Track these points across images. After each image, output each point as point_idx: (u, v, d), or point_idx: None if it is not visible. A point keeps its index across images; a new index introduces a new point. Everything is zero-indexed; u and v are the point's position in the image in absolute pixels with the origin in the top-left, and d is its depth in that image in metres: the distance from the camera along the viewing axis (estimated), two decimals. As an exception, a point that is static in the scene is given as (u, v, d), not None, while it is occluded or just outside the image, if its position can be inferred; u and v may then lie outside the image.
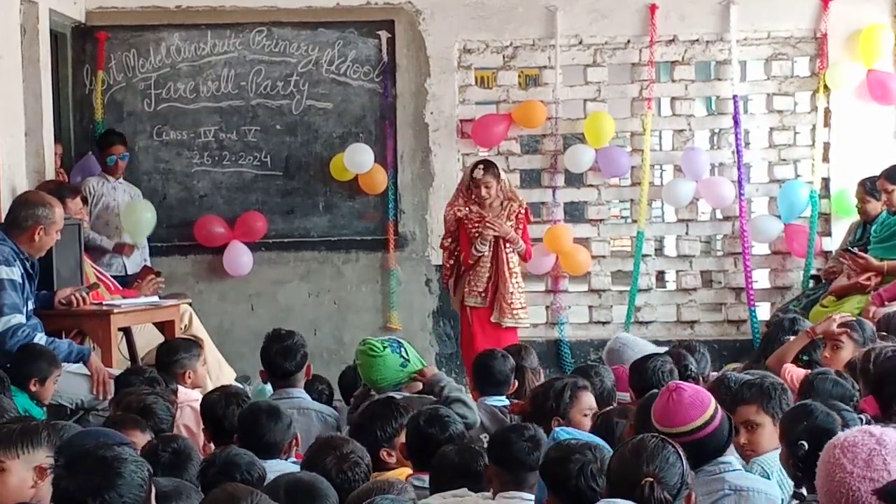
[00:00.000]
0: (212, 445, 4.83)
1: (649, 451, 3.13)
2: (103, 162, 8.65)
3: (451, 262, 7.99)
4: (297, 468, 4.29)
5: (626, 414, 4.31)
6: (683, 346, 5.91)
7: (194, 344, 6.22)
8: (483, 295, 7.82)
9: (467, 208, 7.86)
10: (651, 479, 3.07)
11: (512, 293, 7.81)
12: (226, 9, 9.13)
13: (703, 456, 3.65)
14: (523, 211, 7.94)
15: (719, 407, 3.81)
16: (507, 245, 7.82)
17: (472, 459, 3.93)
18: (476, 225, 7.80)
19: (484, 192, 7.76)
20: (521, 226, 7.90)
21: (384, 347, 5.27)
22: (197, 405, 5.40)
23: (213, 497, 3.18)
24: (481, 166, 7.87)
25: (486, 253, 7.79)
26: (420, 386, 5.29)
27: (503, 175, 7.98)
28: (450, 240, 7.98)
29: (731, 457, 3.86)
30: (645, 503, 3.05)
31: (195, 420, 5.42)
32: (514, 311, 7.83)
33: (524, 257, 7.99)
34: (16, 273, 5.94)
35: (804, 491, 3.40)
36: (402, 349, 5.32)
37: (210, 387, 6.08)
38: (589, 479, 3.30)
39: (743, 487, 3.72)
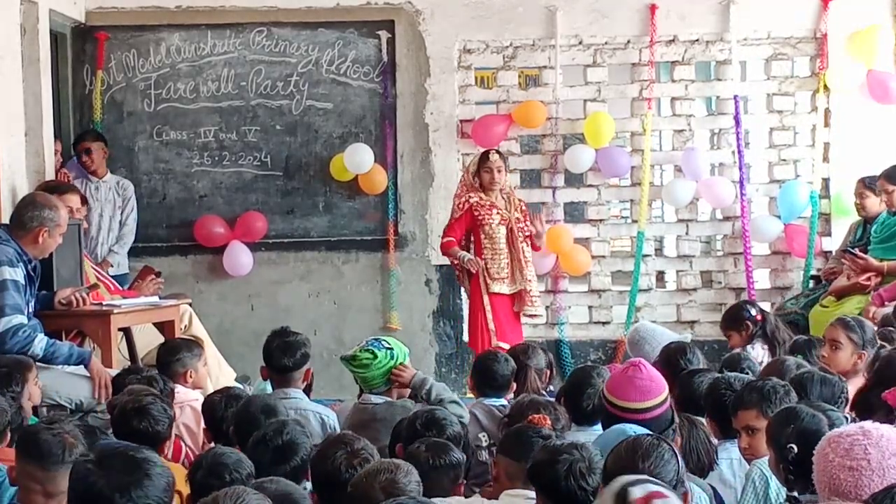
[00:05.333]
0: (212, 445, 4.83)
1: (644, 448, 3.15)
2: (79, 158, 8.50)
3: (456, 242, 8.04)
4: None
5: None
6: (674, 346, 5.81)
7: (196, 344, 6.21)
8: (507, 281, 7.90)
9: (477, 196, 7.96)
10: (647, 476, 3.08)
11: (530, 280, 7.93)
12: (226, 9, 9.13)
13: None
14: (522, 202, 8.15)
15: (668, 402, 3.97)
16: (519, 233, 7.93)
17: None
18: (488, 212, 7.90)
19: (497, 175, 7.92)
20: (525, 216, 8.04)
21: (374, 351, 5.30)
22: (197, 405, 5.41)
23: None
24: (494, 150, 8.13)
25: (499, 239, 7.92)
26: (408, 392, 5.32)
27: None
28: (456, 228, 8.00)
29: None
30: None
31: (195, 420, 5.43)
32: (534, 299, 7.95)
33: (534, 247, 8.11)
34: (19, 274, 5.92)
35: (796, 494, 3.40)
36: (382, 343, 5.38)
37: (210, 387, 6.09)
38: (578, 478, 3.33)
39: None
